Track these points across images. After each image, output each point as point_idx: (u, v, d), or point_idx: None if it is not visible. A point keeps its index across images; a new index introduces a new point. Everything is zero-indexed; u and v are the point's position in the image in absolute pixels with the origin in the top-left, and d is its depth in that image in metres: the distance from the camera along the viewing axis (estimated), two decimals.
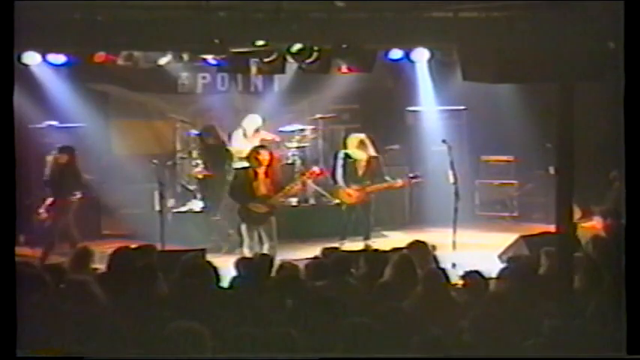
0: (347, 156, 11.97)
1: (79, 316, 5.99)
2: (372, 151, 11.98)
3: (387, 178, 12.01)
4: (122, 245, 8.45)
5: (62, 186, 11.07)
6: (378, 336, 5.67)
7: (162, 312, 6.31)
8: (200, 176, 12.92)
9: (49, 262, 9.05)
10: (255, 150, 10.93)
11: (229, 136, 13.41)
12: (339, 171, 11.93)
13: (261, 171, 10.63)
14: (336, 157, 12.16)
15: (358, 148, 11.92)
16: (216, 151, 12.96)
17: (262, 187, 10.61)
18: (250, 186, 10.60)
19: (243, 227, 10.72)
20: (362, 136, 12.11)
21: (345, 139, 12.45)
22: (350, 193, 11.87)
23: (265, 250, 10.40)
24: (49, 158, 11.33)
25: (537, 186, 13.92)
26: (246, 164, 11.17)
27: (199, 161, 12.92)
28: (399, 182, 12.18)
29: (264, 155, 10.69)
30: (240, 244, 11.01)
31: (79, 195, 11.08)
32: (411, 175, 12.39)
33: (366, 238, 11.94)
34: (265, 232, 10.65)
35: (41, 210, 11.03)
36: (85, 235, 11.23)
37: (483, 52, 11.08)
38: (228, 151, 12.89)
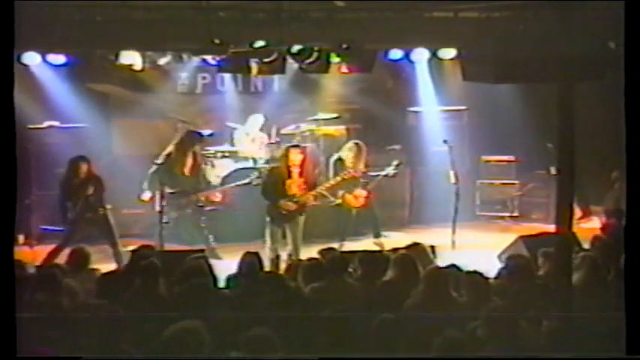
0: (339, 160, 12.02)
1: (79, 317, 5.99)
2: (359, 156, 12.01)
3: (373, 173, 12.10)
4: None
5: (88, 198, 10.55)
6: (377, 335, 5.68)
7: (162, 312, 6.30)
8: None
9: (48, 264, 8.97)
10: (287, 149, 10.88)
11: (231, 137, 13.44)
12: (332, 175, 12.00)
13: (295, 170, 10.63)
14: (328, 163, 12.28)
15: (349, 150, 12.02)
16: None
17: (294, 186, 10.60)
18: (283, 184, 10.59)
19: (267, 228, 10.66)
20: (351, 143, 12.20)
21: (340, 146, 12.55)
22: (356, 196, 11.89)
23: (288, 251, 10.45)
24: (72, 166, 10.60)
25: (538, 186, 13.91)
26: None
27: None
28: (391, 171, 12.16)
29: (295, 155, 10.66)
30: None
31: (102, 212, 10.62)
32: (394, 163, 12.32)
33: (377, 236, 12.04)
34: (291, 232, 10.62)
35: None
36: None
37: (484, 53, 11.11)
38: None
